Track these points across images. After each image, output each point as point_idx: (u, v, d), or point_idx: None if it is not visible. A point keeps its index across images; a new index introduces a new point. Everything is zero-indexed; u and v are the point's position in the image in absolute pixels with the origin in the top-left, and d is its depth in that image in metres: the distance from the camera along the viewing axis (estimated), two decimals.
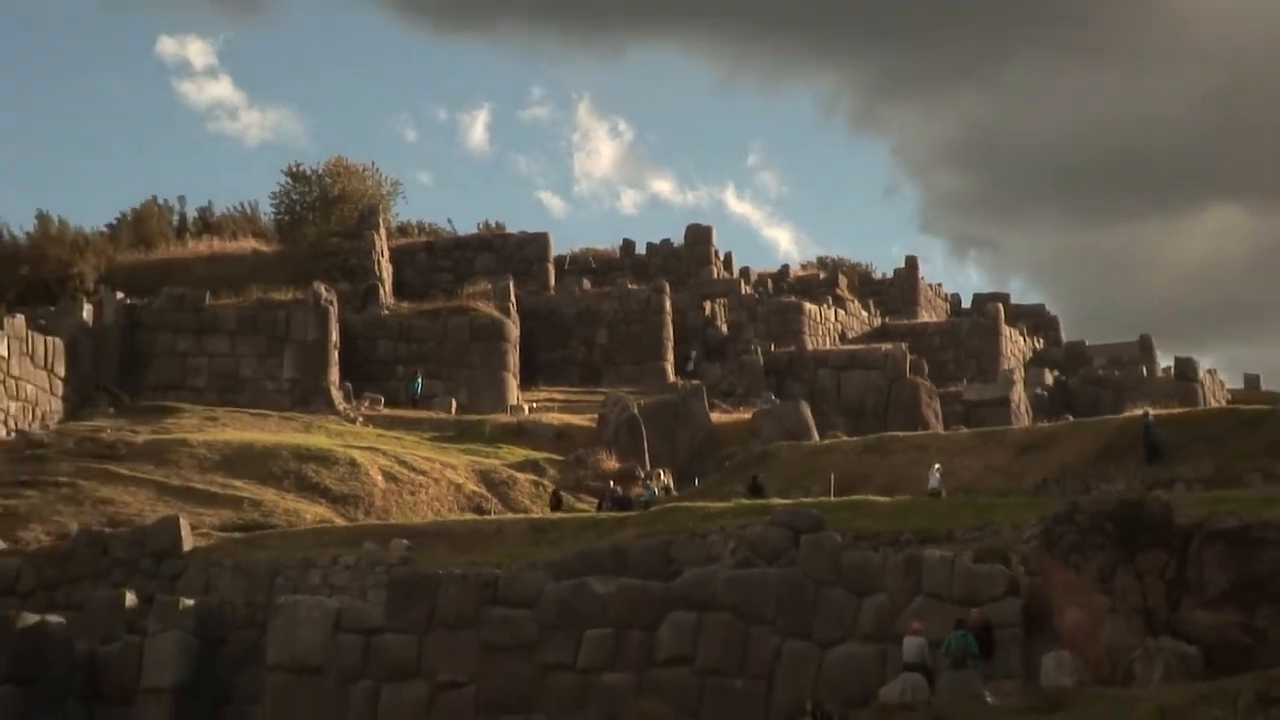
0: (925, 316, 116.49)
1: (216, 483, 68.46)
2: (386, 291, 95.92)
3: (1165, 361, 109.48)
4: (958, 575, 43.59)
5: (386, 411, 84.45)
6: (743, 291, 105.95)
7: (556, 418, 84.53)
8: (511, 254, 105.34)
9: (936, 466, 60.61)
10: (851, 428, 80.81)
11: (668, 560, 50.58)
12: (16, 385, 76.25)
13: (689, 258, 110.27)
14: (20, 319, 78.09)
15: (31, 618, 51.48)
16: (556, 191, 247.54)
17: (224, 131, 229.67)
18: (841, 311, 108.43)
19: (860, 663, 43.41)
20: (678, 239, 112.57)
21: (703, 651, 45.21)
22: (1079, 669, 39.02)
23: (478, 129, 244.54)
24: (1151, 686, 35.16)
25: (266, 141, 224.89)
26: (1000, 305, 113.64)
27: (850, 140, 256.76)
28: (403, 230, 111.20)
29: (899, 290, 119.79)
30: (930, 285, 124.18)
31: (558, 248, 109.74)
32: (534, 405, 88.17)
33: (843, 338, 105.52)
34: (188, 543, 58.93)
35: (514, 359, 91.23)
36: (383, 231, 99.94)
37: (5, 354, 75.56)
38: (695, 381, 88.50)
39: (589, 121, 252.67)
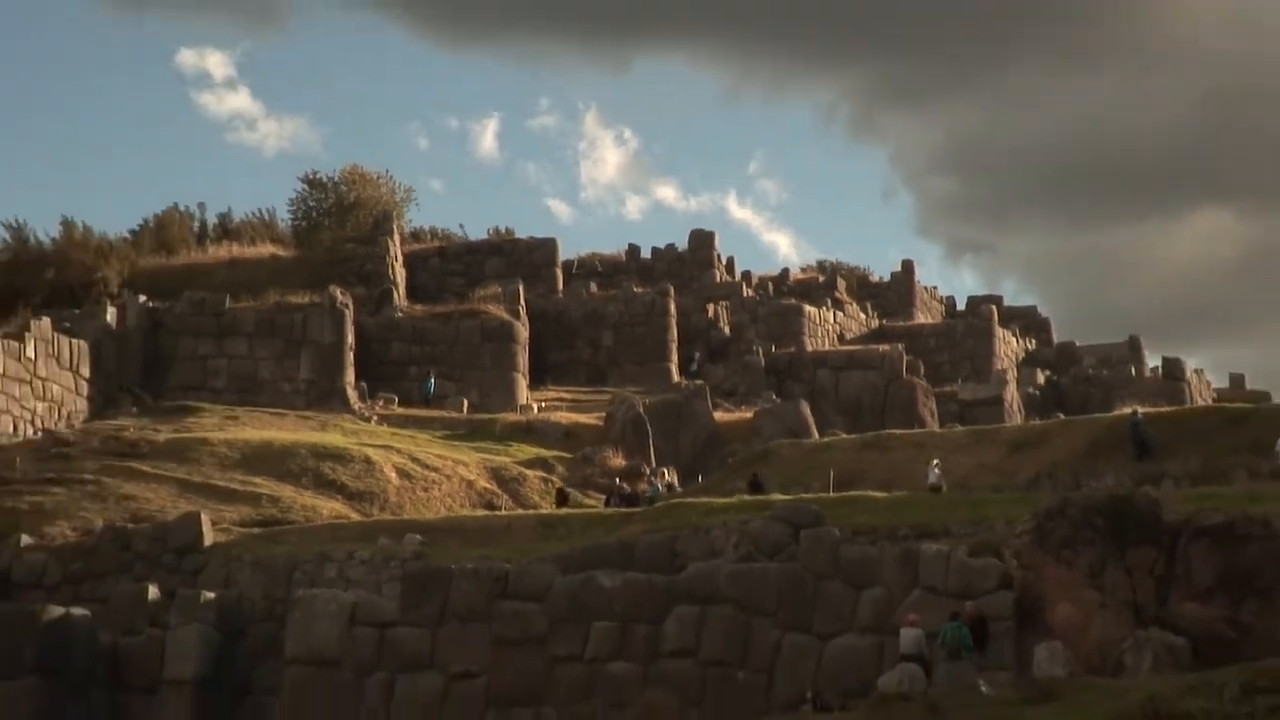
0: (921, 318, 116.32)
1: (236, 480, 68.44)
2: (400, 295, 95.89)
3: (1153, 361, 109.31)
4: (953, 569, 43.57)
5: (400, 411, 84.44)
6: (744, 294, 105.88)
7: (565, 417, 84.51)
8: (521, 258, 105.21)
9: (936, 462, 60.56)
10: (850, 426, 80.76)
11: (672, 555, 50.57)
12: (43, 386, 76.38)
13: (692, 262, 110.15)
14: (46, 322, 78.20)
15: (57, 610, 51.49)
16: (564, 198, 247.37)
17: (242, 141, 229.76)
18: (840, 313, 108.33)
19: (858, 654, 43.38)
20: (681, 244, 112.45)
21: (706, 643, 45.19)
22: (1070, 660, 38.98)
23: (488, 138, 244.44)
24: (1140, 677, 35.12)
25: (284, 150, 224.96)
26: (994, 307, 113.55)
27: (848, 147, 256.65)
28: (416, 236, 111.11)
29: (896, 293, 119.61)
30: (926, 288, 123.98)
31: (565, 252, 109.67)
32: (543, 405, 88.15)
33: (841, 339, 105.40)
34: (208, 538, 58.99)
35: (523, 360, 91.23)
36: (396, 237, 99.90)
37: (32, 356, 75.69)
38: (698, 381, 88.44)
39: (595, 130, 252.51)
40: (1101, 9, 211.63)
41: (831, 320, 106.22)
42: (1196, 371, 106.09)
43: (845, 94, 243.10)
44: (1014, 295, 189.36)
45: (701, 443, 79.53)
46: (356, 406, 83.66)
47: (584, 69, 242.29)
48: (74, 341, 79.29)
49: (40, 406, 76.10)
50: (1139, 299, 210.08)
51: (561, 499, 68.60)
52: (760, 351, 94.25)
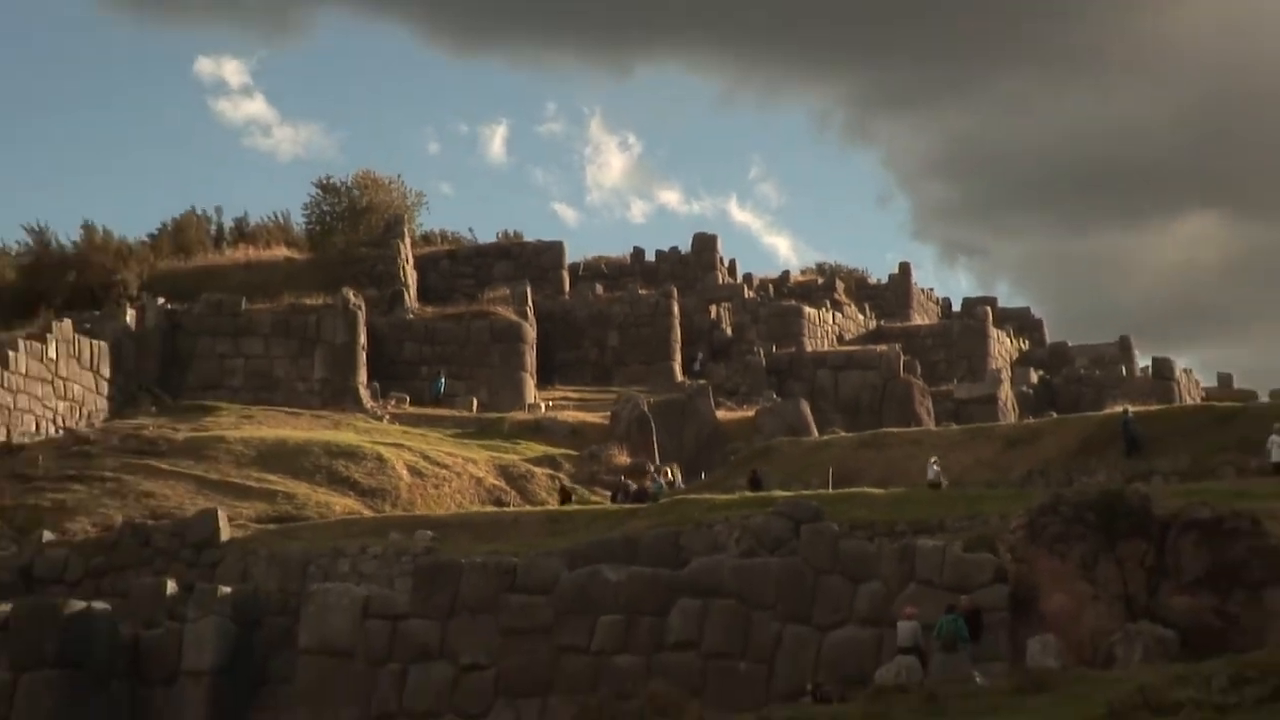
0: (918, 319, 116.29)
1: (252, 477, 68.47)
2: (411, 296, 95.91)
3: (1143, 361, 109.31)
4: (949, 563, 43.61)
5: (411, 409, 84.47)
6: (745, 296, 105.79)
7: (571, 415, 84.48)
8: (529, 261, 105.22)
9: (935, 460, 60.61)
10: (848, 424, 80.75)
11: (676, 549, 50.67)
12: (64, 386, 76.45)
13: (695, 264, 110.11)
14: (68, 323, 78.27)
15: (79, 604, 51.55)
16: (570, 202, 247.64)
17: (258, 146, 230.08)
18: (839, 315, 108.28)
19: (857, 646, 43.41)
20: (684, 247, 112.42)
21: (709, 636, 45.24)
22: (1063, 651, 38.99)
23: (496, 143, 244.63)
24: (1131, 668, 35.10)
25: (298, 156, 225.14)
26: (988, 308, 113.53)
27: (844, 153, 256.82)
28: (426, 239, 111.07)
29: (893, 294, 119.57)
30: (922, 290, 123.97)
31: (572, 255, 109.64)
32: (550, 403, 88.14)
33: (840, 339, 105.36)
34: (225, 534, 59.07)
35: (531, 360, 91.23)
36: (408, 240, 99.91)
37: (54, 356, 75.76)
38: (701, 381, 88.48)
39: (600, 136, 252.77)
40: (1092, 17, 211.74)
41: (830, 321, 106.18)
42: (1185, 371, 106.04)
43: (840, 100, 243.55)
44: (1008, 297, 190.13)
45: (704, 440, 79.51)
46: (369, 405, 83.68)
47: (588, 76, 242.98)
48: (94, 342, 79.37)
49: (62, 406, 76.17)
50: (1129, 300, 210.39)
51: (565, 497, 68.69)
52: (761, 352, 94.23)
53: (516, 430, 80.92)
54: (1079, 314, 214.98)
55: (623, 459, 75.31)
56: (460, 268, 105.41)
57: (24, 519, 63.84)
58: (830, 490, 57.95)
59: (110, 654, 50.75)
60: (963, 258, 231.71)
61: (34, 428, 73.84)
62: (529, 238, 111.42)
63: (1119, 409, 67.21)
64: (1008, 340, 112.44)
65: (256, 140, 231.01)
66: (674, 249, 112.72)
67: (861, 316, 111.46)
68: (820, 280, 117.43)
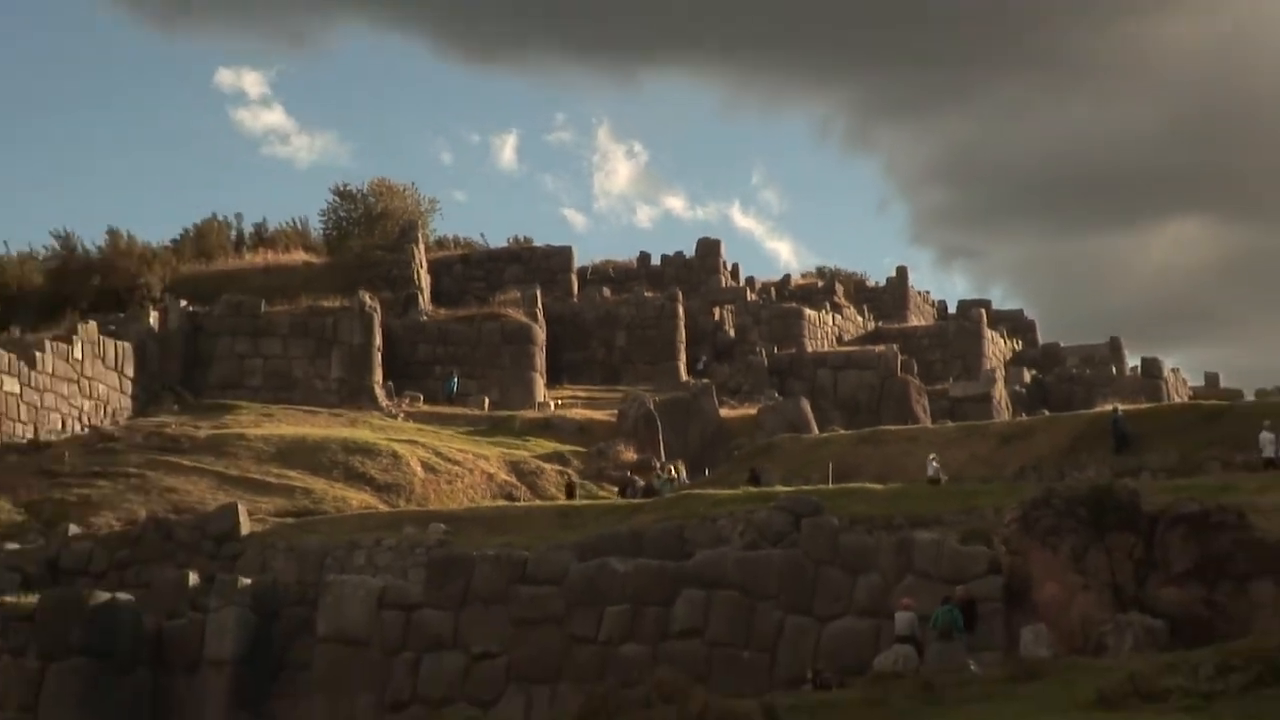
0: (915, 320, 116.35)
1: (271, 473, 68.53)
2: (425, 299, 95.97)
3: (1133, 361, 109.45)
4: (945, 555, 43.54)
5: (425, 408, 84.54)
6: (748, 298, 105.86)
7: (580, 413, 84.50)
8: (538, 265, 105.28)
9: (934, 456, 60.60)
10: (847, 422, 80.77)
11: (681, 542, 50.59)
12: (90, 385, 76.56)
13: (699, 268, 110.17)
14: (93, 325, 78.45)
15: (104, 596, 51.53)
16: (579, 208, 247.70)
17: (276, 155, 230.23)
18: (838, 316, 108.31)
19: (856, 635, 43.34)
20: (689, 251, 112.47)
21: (713, 625, 45.16)
22: (1055, 641, 38.95)
23: (507, 151, 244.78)
24: (1121, 656, 35.08)
25: (315, 164, 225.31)
26: (983, 310, 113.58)
27: (844, 160, 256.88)
28: (440, 244, 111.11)
29: (891, 297, 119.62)
30: (919, 292, 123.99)
31: (580, 259, 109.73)
32: (559, 402, 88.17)
33: (839, 340, 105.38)
34: (245, 527, 59.09)
35: (541, 360, 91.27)
36: (421, 245, 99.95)
37: (80, 357, 75.90)
38: (705, 380, 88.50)
39: (608, 144, 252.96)
40: (1086, 28, 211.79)
41: (830, 323, 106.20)
42: (1173, 371, 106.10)
43: (840, 108, 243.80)
44: (1002, 299, 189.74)
45: (708, 437, 79.57)
46: (384, 404, 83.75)
47: (596, 87, 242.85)
48: (119, 343, 79.50)
49: (87, 404, 76.28)
50: (1119, 302, 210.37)
51: (570, 491, 68.86)
52: (763, 352, 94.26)
53: (527, 428, 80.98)
54: (1070, 315, 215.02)
55: (630, 456, 75.39)
56: (472, 271, 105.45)
57: (51, 513, 63.93)
58: (830, 485, 57.88)
59: (134, 644, 50.73)
60: (959, 261, 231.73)
61: (61, 426, 73.95)
62: (539, 243, 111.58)
63: (1109, 407, 67.18)
64: (1001, 341, 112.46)
65: (275, 149, 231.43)
66: (679, 253, 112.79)
67: (860, 318, 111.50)
68: (820, 283, 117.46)
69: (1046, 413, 77.14)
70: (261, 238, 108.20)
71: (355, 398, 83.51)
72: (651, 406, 79.28)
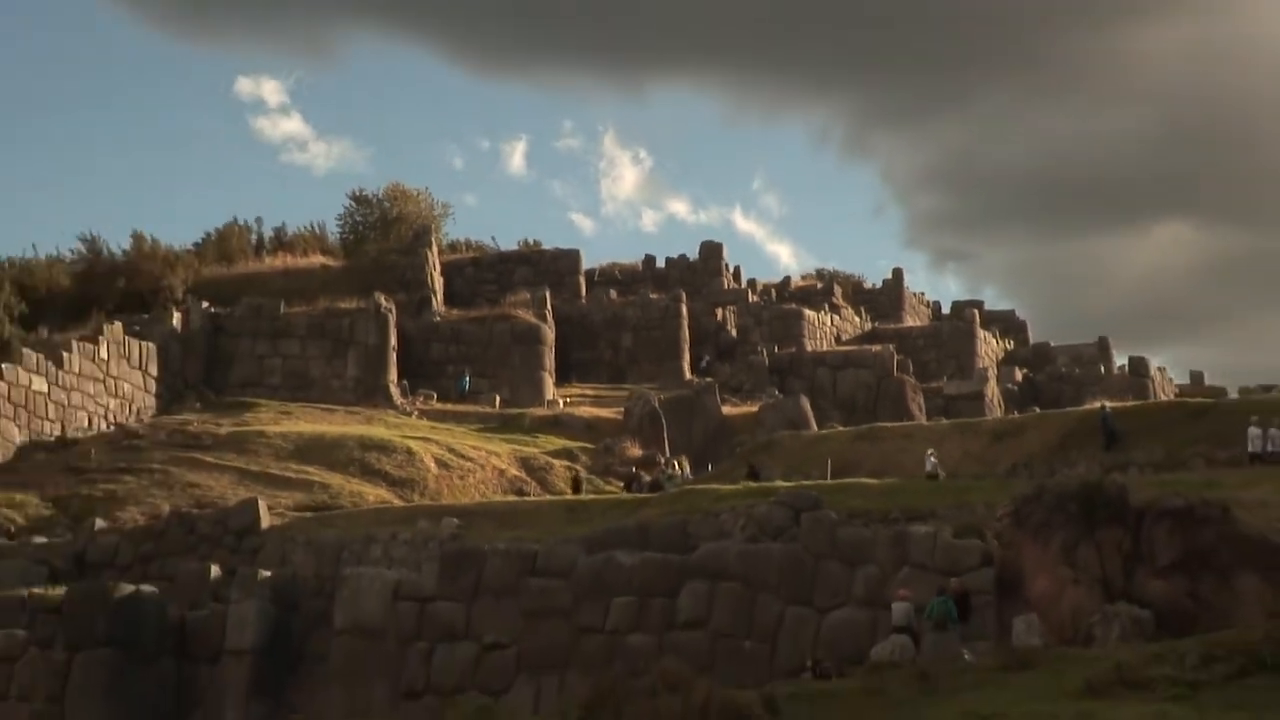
0: (910, 321, 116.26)
1: (290, 469, 68.58)
2: (438, 301, 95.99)
3: (1120, 360, 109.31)
4: (939, 548, 43.55)
5: (438, 406, 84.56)
6: (749, 300, 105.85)
7: (587, 411, 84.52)
8: (547, 267, 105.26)
9: (931, 452, 60.54)
10: (845, 419, 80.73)
11: (685, 536, 50.55)
12: (115, 384, 76.69)
13: (702, 270, 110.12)
14: (118, 326, 78.61)
15: (128, 588, 51.54)
16: (586, 212, 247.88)
17: (295, 161, 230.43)
18: (836, 317, 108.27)
19: (854, 626, 43.34)
20: (693, 254, 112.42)
21: (716, 616, 45.17)
22: (1045, 631, 38.90)
23: (517, 157, 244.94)
24: (1109, 646, 35.05)
25: (332, 170, 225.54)
26: (976, 311, 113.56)
27: (842, 166, 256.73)
28: (452, 247, 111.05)
29: (887, 298, 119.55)
30: (914, 294, 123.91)
31: (587, 262, 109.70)
32: (567, 400, 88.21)
33: (838, 340, 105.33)
34: (265, 522, 59.09)
35: (550, 359, 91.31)
36: (435, 248, 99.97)
37: (105, 356, 76.02)
38: (708, 379, 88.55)
39: (614, 151, 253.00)
40: (1074, 40, 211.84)
41: (829, 323, 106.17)
42: (1160, 369, 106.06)
43: (838, 117, 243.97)
44: (994, 300, 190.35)
45: (711, 434, 79.54)
46: (399, 402, 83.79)
47: (603, 96, 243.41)
48: (143, 343, 79.61)
49: (113, 403, 76.41)
50: (1107, 303, 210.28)
51: (576, 485, 68.90)
52: (764, 351, 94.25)
53: (536, 425, 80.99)
54: (1060, 316, 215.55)
55: (635, 452, 75.39)
56: (484, 274, 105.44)
57: (78, 508, 64.01)
58: (828, 481, 57.85)
59: (158, 634, 50.76)
60: (952, 264, 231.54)
61: (87, 423, 74.07)
62: (548, 246, 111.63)
63: (1098, 405, 67.14)
64: (994, 341, 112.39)
65: (293, 155, 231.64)
66: (683, 256, 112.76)
67: (858, 319, 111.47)
68: (819, 285, 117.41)
69: (1037, 410, 77.05)
70: (280, 242, 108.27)
71: (371, 396, 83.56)
72: (656, 404, 79.30)
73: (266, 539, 58.02)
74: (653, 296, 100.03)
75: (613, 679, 31.65)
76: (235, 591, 51.84)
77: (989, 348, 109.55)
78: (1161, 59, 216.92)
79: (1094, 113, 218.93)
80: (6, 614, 51.55)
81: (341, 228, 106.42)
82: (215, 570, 54.47)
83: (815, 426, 76.79)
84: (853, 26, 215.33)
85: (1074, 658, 32.33)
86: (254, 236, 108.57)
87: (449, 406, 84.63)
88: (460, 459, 72.14)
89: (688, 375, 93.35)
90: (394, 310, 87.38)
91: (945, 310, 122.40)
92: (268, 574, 52.51)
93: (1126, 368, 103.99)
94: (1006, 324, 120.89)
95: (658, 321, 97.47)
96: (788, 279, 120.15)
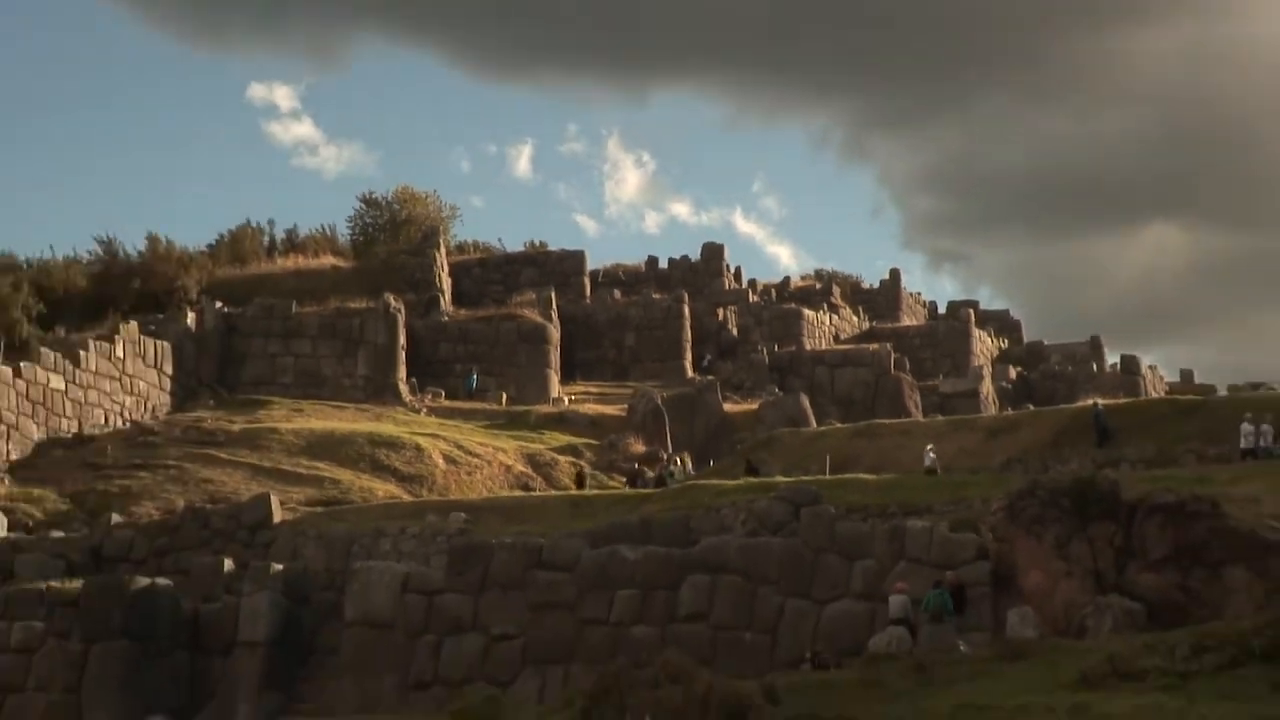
0: (907, 320, 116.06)
1: (302, 465, 68.54)
2: (446, 300, 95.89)
3: (1112, 358, 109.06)
4: (935, 542, 43.52)
5: (446, 403, 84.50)
6: (750, 300, 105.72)
7: (592, 408, 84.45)
8: (553, 268, 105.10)
9: (930, 448, 60.51)
10: (843, 416, 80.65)
11: (687, 530, 50.56)
12: (131, 382, 76.65)
13: (704, 271, 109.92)
14: (134, 325, 78.56)
15: (144, 581, 51.51)
16: (590, 214, 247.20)
17: (306, 165, 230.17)
18: (835, 317, 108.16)
19: (852, 618, 43.32)
20: (694, 255, 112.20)
21: (717, 609, 45.15)
22: (1039, 623, 38.94)
23: (523, 161, 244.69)
24: (1101, 638, 35.08)
25: (343, 173, 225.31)
26: (971, 311, 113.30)
27: (840, 169, 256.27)
28: (460, 248, 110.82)
29: (884, 298, 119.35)
30: (911, 294, 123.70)
31: (592, 263, 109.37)
32: (572, 397, 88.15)
33: (836, 339, 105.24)
34: (277, 516, 59.04)
35: (555, 358, 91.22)
36: (443, 249, 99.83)
37: (121, 355, 76.01)
38: (710, 377, 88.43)
39: (617, 154, 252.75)
40: (1069, 43, 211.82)
41: (827, 322, 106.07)
42: (1151, 367, 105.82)
43: (837, 121, 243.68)
44: (989, 300, 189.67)
45: (713, 431, 79.48)
46: (408, 400, 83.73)
47: (607, 100, 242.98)
48: (158, 342, 79.57)
49: (129, 400, 76.36)
50: (1100, 303, 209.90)
51: (580, 481, 68.89)
52: (764, 350, 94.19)
53: (542, 422, 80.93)
54: (1054, 316, 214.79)
55: (638, 448, 75.35)
56: (490, 274, 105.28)
57: (94, 503, 63.97)
58: (827, 476, 57.86)
59: (173, 626, 50.72)
60: (948, 265, 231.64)
61: (103, 420, 74.04)
62: (553, 247, 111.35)
63: (1090, 402, 67.09)
64: (989, 339, 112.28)
65: (305, 159, 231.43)
66: (685, 257, 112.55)
67: (856, 318, 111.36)
68: (818, 285, 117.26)
69: (1031, 407, 76.99)
70: (292, 243, 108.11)
71: (380, 394, 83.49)
72: (659, 402, 79.25)
73: (278, 533, 57.97)
74: (655, 296, 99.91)
75: (616, 670, 31.67)
76: (248, 585, 51.77)
77: (984, 346, 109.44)
78: (1155, 62, 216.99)
79: (1087, 116, 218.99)
80: (25, 606, 51.53)
81: (352, 229, 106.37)
82: (228, 564, 54.40)
83: (814, 423, 76.74)
84: (851, 32, 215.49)
85: (1068, 649, 32.35)
86: (266, 238, 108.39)
87: (457, 404, 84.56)
88: (468, 455, 72.08)
89: (690, 373, 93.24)
90: (403, 310, 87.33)
91: (941, 310, 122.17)
92: (279, 568, 52.43)
93: (1118, 366, 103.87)
94: (1001, 323, 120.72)
95: (660, 321, 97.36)
96: (787, 279, 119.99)
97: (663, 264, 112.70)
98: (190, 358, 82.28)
